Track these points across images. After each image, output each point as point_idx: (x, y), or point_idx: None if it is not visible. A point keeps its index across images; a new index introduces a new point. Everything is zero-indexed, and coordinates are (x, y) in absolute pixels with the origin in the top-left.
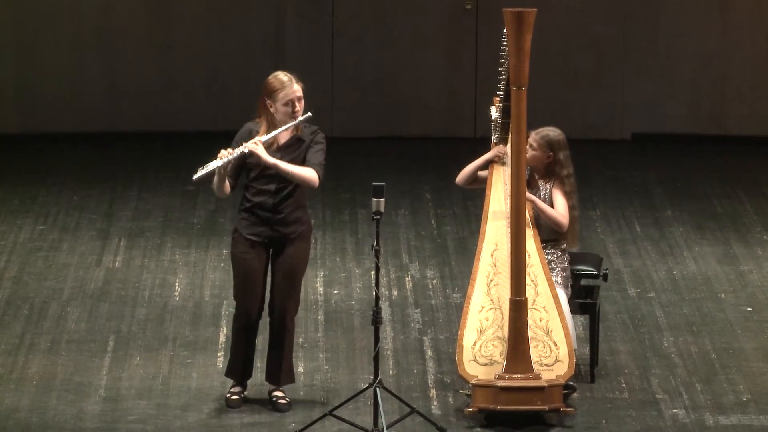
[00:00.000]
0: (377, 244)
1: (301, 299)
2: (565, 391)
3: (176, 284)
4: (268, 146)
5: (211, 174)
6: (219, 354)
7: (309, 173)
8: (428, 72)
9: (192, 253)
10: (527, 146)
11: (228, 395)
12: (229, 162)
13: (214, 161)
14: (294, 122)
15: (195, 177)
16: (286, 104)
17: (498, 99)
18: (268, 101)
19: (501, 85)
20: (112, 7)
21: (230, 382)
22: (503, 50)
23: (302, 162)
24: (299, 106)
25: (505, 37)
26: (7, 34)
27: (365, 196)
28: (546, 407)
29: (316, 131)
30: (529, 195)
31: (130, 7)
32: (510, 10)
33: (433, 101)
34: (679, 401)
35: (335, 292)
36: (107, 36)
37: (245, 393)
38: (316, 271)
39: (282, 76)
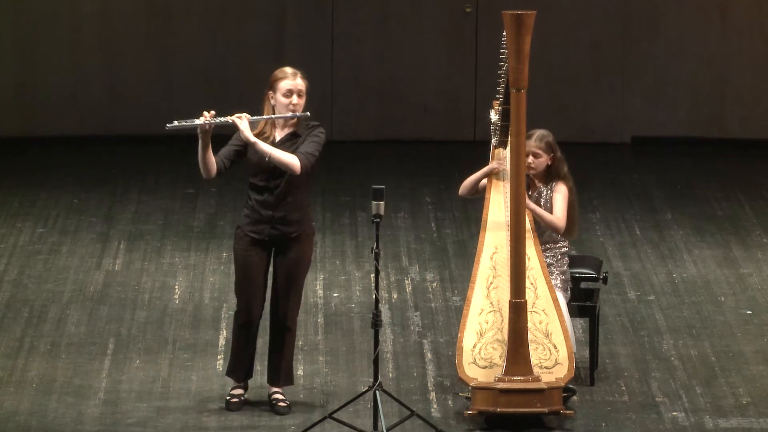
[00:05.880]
0: (377, 247)
1: (301, 302)
2: (565, 394)
3: (176, 287)
4: (264, 140)
5: (184, 129)
6: (219, 357)
7: (290, 158)
8: (428, 75)
9: (192, 255)
10: (531, 155)
11: (228, 397)
12: (210, 125)
13: (194, 120)
14: (288, 115)
15: (168, 126)
16: (285, 94)
17: (498, 102)
18: (270, 92)
19: (500, 88)
20: (111, 9)
21: (230, 384)
22: (503, 53)
23: None
24: (299, 101)
25: (504, 40)
26: (7, 37)
27: (365, 199)
28: (546, 409)
29: (315, 126)
30: (526, 203)
31: (130, 9)
32: (509, 12)
33: (433, 104)
34: (679, 404)
35: (335, 295)
36: (107, 38)
37: (245, 395)
38: (316, 274)
39: (287, 68)
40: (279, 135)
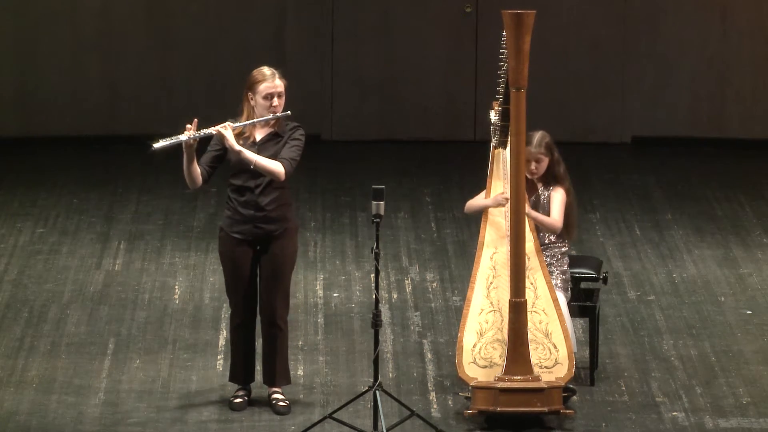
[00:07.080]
0: (377, 247)
1: (301, 302)
2: (565, 394)
3: (176, 287)
4: (245, 140)
5: (172, 147)
6: (219, 357)
7: (274, 165)
8: (428, 75)
9: (192, 256)
10: (534, 162)
11: (232, 398)
12: (194, 139)
13: (178, 135)
14: (270, 116)
15: (155, 146)
16: (265, 97)
17: (497, 103)
18: (250, 94)
19: (500, 88)
20: (112, 9)
21: (230, 384)
22: (503, 53)
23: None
24: (278, 102)
25: (504, 40)
26: (7, 37)
27: (365, 199)
28: (545, 409)
29: (295, 128)
30: (526, 210)
31: (130, 9)
32: (509, 11)
33: (433, 104)
34: (679, 404)
35: (335, 295)
36: (107, 38)
37: (249, 396)
38: (315, 274)
39: (265, 69)
40: (259, 135)
